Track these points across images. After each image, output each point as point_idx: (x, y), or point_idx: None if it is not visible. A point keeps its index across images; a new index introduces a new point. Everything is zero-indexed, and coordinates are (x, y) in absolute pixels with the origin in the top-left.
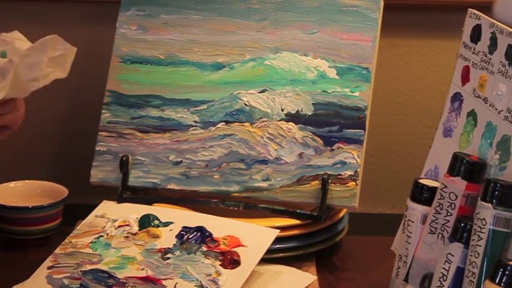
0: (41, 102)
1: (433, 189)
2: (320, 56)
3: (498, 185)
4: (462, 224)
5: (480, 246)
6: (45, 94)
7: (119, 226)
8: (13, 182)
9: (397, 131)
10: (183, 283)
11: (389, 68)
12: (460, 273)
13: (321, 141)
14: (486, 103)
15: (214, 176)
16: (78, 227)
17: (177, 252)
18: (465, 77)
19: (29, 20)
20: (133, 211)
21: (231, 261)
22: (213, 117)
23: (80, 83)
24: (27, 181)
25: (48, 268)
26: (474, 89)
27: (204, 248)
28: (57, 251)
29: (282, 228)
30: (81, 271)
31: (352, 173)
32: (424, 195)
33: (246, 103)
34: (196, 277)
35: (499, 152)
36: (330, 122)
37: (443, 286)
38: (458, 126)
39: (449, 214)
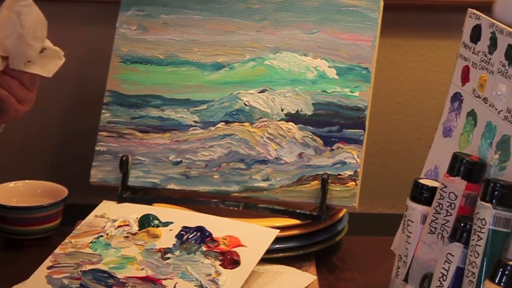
0: (41, 102)
1: (433, 189)
2: (320, 56)
3: (498, 185)
4: (462, 224)
5: (480, 246)
6: (45, 94)
7: (119, 226)
8: (13, 182)
9: (397, 131)
10: (182, 283)
11: (389, 68)
12: (459, 273)
13: (321, 141)
14: (486, 103)
15: (214, 176)
16: (78, 227)
17: (177, 252)
18: (465, 77)
19: None
20: (133, 211)
21: (230, 261)
22: (212, 117)
23: (80, 83)
24: (27, 181)
25: (48, 268)
26: (474, 89)
27: (204, 248)
28: (57, 251)
29: (282, 228)
30: (81, 271)
31: (352, 173)
32: (424, 195)
33: (246, 103)
34: (196, 277)
35: (499, 152)
36: (329, 122)
37: (443, 286)
38: (458, 126)
39: (449, 214)
